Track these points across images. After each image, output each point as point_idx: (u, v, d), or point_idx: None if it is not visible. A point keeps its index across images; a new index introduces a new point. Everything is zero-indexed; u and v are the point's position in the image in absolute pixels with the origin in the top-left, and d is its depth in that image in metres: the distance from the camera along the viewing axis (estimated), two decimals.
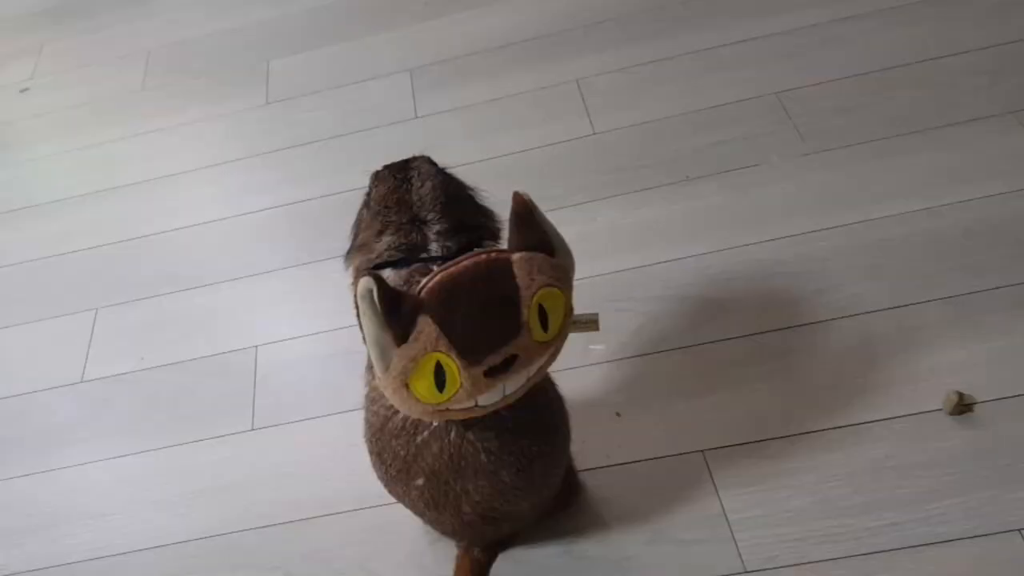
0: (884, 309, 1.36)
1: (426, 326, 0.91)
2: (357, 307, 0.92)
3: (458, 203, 1.08)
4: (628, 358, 1.40)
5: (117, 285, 1.77)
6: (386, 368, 0.93)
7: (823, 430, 1.26)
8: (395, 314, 0.91)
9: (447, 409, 0.96)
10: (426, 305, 0.91)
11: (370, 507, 1.30)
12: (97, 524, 1.41)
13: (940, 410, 1.24)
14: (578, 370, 1.39)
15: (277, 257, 1.73)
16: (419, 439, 1.04)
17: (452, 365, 0.92)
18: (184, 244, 1.82)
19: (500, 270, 0.93)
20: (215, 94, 2.15)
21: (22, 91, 2.35)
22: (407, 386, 0.93)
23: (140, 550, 1.36)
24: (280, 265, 1.72)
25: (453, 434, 1.02)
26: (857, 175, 1.56)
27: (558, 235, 0.97)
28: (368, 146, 1.90)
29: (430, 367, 0.92)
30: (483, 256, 0.93)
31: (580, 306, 1.45)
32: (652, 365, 1.38)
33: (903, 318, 1.35)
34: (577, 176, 1.70)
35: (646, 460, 1.28)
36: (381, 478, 1.12)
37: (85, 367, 1.64)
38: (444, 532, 1.20)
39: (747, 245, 1.50)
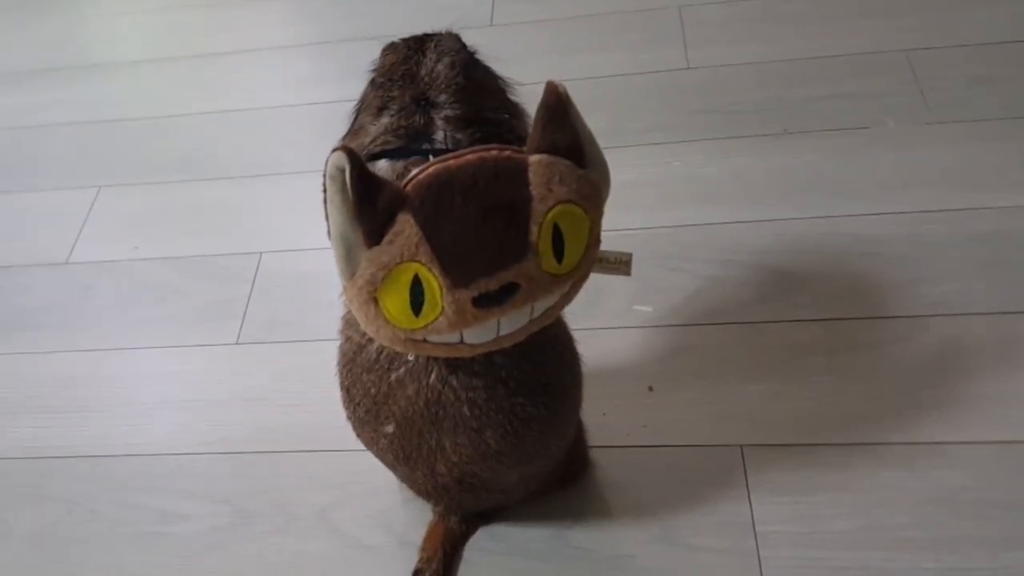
0: (988, 313, 1.19)
1: (407, 227, 0.76)
2: (325, 191, 0.77)
3: (481, 91, 0.91)
4: (675, 326, 1.24)
5: (128, 164, 1.68)
6: (351, 273, 0.79)
7: (890, 443, 1.09)
8: (370, 205, 0.76)
9: (424, 340, 0.81)
10: (410, 201, 0.76)
11: (343, 450, 1.15)
12: (41, 420, 1.31)
13: None
14: (615, 331, 1.25)
15: (309, 157, 1.60)
16: (393, 376, 0.90)
17: (433, 283, 0.77)
18: (213, 129, 1.73)
19: (511, 172, 0.77)
20: None
21: None
22: (376, 300, 0.79)
23: (80, 456, 1.25)
24: (310, 167, 1.59)
25: (433, 376, 0.88)
26: (984, 154, 1.37)
27: (594, 143, 0.82)
28: None
29: (406, 280, 0.77)
30: (492, 152, 0.78)
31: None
32: (701, 337, 1.22)
33: (1009, 326, 1.17)
34: (659, 112, 1.55)
35: (673, 446, 1.13)
36: (350, 418, 0.98)
37: (73, 248, 1.54)
38: (418, 492, 1.06)
39: (841, 216, 1.33)
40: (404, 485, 1.09)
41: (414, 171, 0.78)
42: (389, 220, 0.77)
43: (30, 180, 1.69)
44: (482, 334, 0.81)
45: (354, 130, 0.93)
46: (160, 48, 1.94)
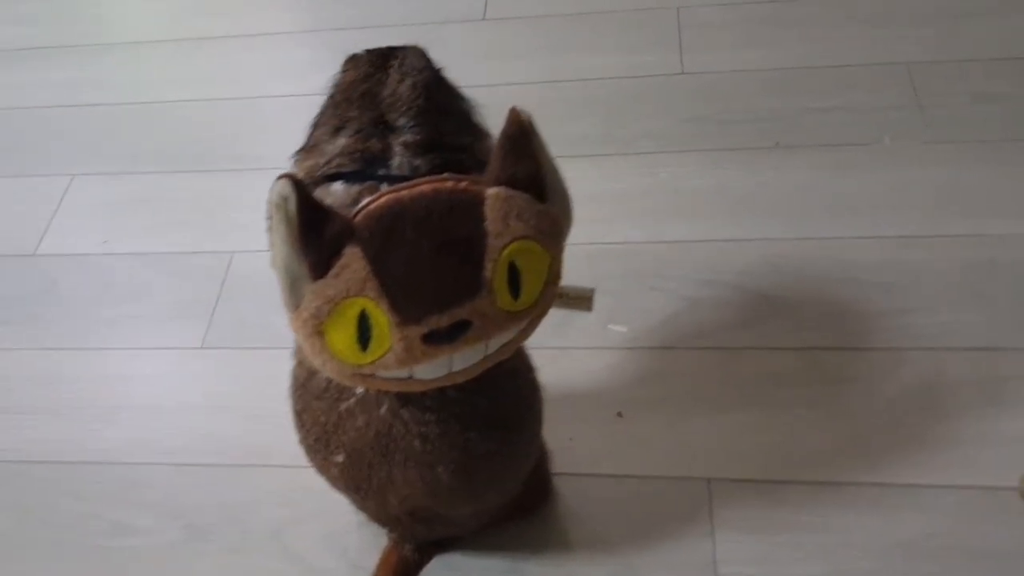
0: (975, 348, 1.17)
1: (354, 260, 0.75)
2: (269, 219, 0.76)
3: (443, 114, 0.89)
4: (649, 348, 1.23)
5: (105, 151, 1.67)
6: (296, 305, 0.78)
7: (861, 484, 1.08)
8: (315, 236, 0.74)
9: (372, 375, 0.79)
10: (358, 233, 0.75)
11: (302, 466, 1.13)
12: None
13: (1015, 490, 1.05)
14: (588, 351, 1.23)
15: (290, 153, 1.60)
16: (343, 407, 0.88)
17: (381, 318, 0.75)
18: (197, 118, 1.71)
19: (466, 206, 0.76)
20: None
21: None
22: (321, 334, 0.77)
23: (36, 461, 1.24)
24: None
25: (384, 408, 0.86)
26: (983, 178, 1.35)
27: (557, 175, 0.80)
28: (421, 42, 1.72)
29: (352, 315, 0.76)
30: (448, 183, 0.76)
31: (605, 277, 1.29)
32: (676, 362, 1.21)
33: (995, 364, 1.15)
34: (649, 119, 1.53)
35: (638, 477, 1.11)
36: (301, 443, 0.97)
37: (42, 239, 1.52)
38: (371, 519, 1.05)
39: (828, 238, 1.31)
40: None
41: (364, 200, 0.76)
42: (335, 252, 0.75)
43: (2, 164, 1.67)
44: (433, 370, 0.80)
45: (309, 147, 0.91)
46: (147, 30, 1.92)
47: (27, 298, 1.44)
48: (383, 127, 0.86)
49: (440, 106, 0.89)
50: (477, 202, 0.76)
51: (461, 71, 1.62)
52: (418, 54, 0.92)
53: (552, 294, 0.82)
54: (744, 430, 1.13)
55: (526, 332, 0.83)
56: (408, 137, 0.85)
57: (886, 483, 1.07)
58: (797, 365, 1.18)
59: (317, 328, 0.77)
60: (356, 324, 0.76)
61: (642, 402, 1.17)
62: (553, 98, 1.58)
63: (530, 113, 0.77)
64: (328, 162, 0.87)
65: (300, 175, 0.90)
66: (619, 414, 1.17)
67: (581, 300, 0.90)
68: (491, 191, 0.77)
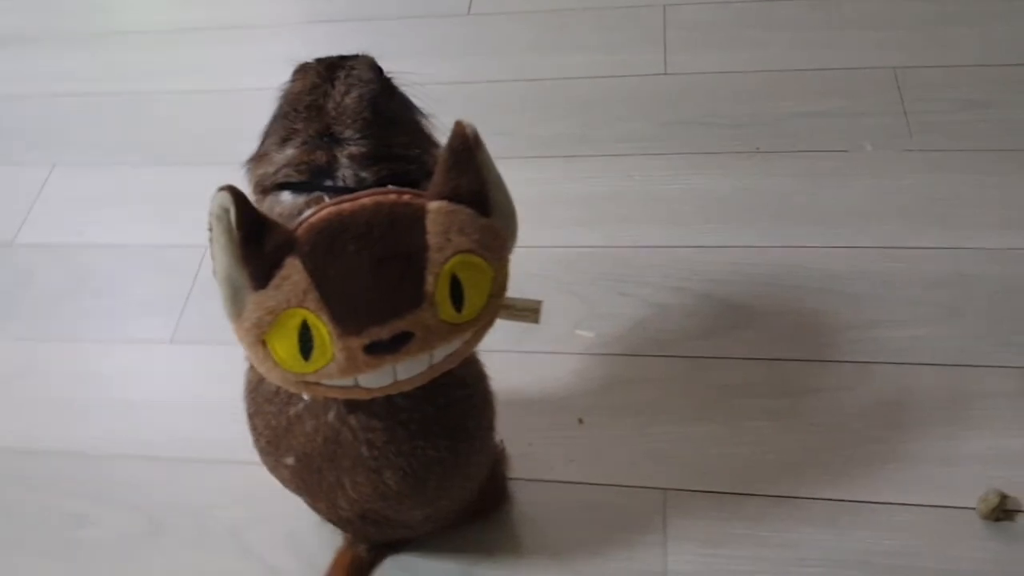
0: (943, 364, 1.18)
1: (294, 272, 0.76)
2: (211, 228, 0.78)
3: (392, 125, 0.90)
4: (615, 355, 1.24)
5: (87, 142, 1.69)
6: (238, 315, 0.80)
7: (819, 499, 1.09)
8: (256, 247, 0.76)
9: (317, 383, 0.81)
10: (299, 246, 0.77)
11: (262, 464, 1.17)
12: None
13: (973, 509, 1.06)
14: (553, 356, 1.24)
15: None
16: (292, 411, 0.90)
17: (322, 329, 0.77)
18: (181, 110, 1.73)
19: (407, 220, 0.77)
20: None
21: None
22: (264, 343, 0.79)
23: (2, 451, 1.26)
24: None
25: (332, 415, 0.88)
26: (966, 189, 1.36)
27: (502, 189, 0.81)
28: (405, 37, 1.76)
29: (293, 325, 0.77)
30: (390, 196, 0.78)
31: (575, 281, 1.31)
32: (640, 370, 1.22)
33: (962, 381, 1.16)
34: (630, 121, 1.54)
35: (594, 484, 1.13)
36: (254, 445, 0.99)
37: (20, 229, 1.54)
38: (325, 520, 1.07)
39: (802, 247, 1.32)
40: None
41: (306, 213, 0.78)
42: (276, 263, 0.77)
43: None
44: (377, 379, 0.82)
45: (260, 155, 0.93)
46: (131, 20, 1.93)
47: (2, 288, 1.46)
48: (329, 139, 0.88)
49: (388, 118, 0.90)
50: (419, 215, 0.78)
51: (442, 66, 1.65)
52: (367, 64, 0.93)
53: (496, 306, 0.84)
54: (705, 441, 1.14)
55: (471, 343, 0.84)
56: (354, 149, 0.87)
57: (846, 499, 1.08)
58: (762, 376, 1.19)
59: (259, 337, 0.79)
60: (298, 334, 0.77)
61: (604, 409, 1.19)
62: (532, 96, 1.59)
63: (475, 126, 0.78)
64: (276, 172, 0.88)
65: (252, 182, 0.92)
66: (580, 420, 1.18)
67: (528, 312, 0.91)
68: (433, 205, 0.78)
